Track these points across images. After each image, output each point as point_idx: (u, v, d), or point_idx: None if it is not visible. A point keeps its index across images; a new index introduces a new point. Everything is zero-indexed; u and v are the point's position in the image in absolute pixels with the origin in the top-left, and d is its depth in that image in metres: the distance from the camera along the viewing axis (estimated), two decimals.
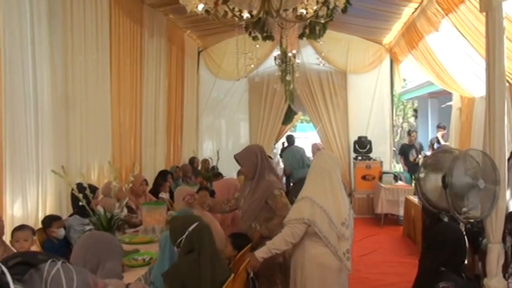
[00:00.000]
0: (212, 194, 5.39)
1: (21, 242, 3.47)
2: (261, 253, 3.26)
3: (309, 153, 8.70)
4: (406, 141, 11.32)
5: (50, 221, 4.03)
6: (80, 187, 3.93)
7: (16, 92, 4.08)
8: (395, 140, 14.22)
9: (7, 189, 3.91)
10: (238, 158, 3.96)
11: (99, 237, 2.33)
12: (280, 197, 3.77)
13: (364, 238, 7.66)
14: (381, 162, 9.62)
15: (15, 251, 3.40)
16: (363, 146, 9.68)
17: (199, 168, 8.77)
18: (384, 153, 10.02)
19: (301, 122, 22.66)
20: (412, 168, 9.63)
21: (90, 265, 2.12)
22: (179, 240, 2.83)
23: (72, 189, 3.69)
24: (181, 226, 2.86)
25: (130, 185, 3.96)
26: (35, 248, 3.67)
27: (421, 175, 3.95)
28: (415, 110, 18.86)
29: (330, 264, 3.23)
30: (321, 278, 3.24)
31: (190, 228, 2.83)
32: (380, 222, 8.68)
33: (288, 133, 11.71)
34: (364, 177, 9.42)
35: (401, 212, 8.36)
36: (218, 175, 7.28)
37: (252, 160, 3.89)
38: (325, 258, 3.23)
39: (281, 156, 12.17)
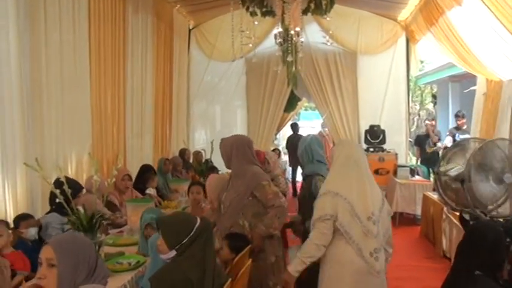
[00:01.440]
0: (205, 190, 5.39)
1: None
2: (295, 266, 3.21)
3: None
4: (423, 130, 11.32)
5: (17, 220, 4.04)
6: (57, 182, 3.92)
7: None
8: (412, 130, 14.21)
9: None
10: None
11: (83, 239, 2.32)
12: (269, 187, 3.79)
13: None
14: (396, 154, 9.62)
15: None
16: (375, 136, 9.67)
17: (191, 161, 8.76)
18: (398, 144, 10.02)
19: (306, 110, 22.69)
20: (428, 160, 9.66)
21: (83, 273, 2.12)
22: (182, 242, 2.76)
23: (49, 184, 3.68)
24: (184, 226, 2.82)
25: (114, 179, 3.93)
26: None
27: (441, 169, 3.95)
28: (434, 96, 18.84)
29: (351, 263, 3.15)
30: (339, 278, 3.18)
31: (195, 228, 2.80)
32: (395, 222, 8.67)
33: (292, 121, 11.74)
34: (376, 171, 9.40)
35: (418, 211, 8.37)
36: (212, 169, 7.26)
37: (226, 152, 4.04)
38: (346, 256, 3.16)
39: (287, 147, 12.25)
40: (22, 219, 4.07)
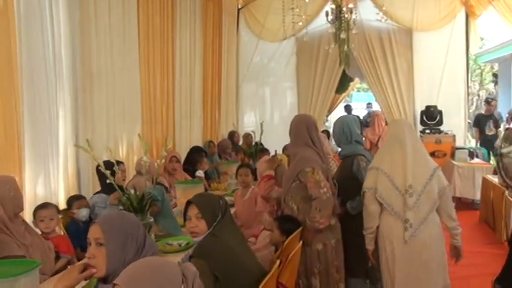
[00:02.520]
0: (254, 172, 5.40)
1: (46, 221, 3.59)
2: (366, 243, 3.58)
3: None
4: (482, 111, 10.96)
5: (70, 200, 4.15)
6: (108, 163, 3.99)
7: (34, 62, 4.18)
8: (471, 111, 13.79)
9: (26, 166, 4.03)
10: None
11: (130, 217, 2.34)
12: (312, 174, 3.70)
13: None
14: (454, 136, 9.35)
15: (39, 231, 3.51)
16: (431, 117, 9.43)
17: (241, 143, 8.77)
18: (457, 125, 9.74)
19: (358, 91, 22.39)
20: (488, 142, 9.38)
21: (132, 251, 2.14)
22: (218, 218, 2.82)
23: (98, 166, 3.75)
24: (216, 202, 2.88)
25: (163, 160, 3.97)
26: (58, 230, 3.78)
27: (503, 150, 3.88)
28: (495, 75, 18.25)
29: (395, 233, 3.43)
30: (388, 248, 3.48)
31: (221, 203, 2.88)
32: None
33: (344, 103, 11.62)
34: (433, 154, 9.14)
35: (477, 195, 8.13)
36: (263, 151, 7.22)
37: (289, 131, 4.01)
38: (396, 230, 3.43)
39: None
40: (75, 199, 4.19)
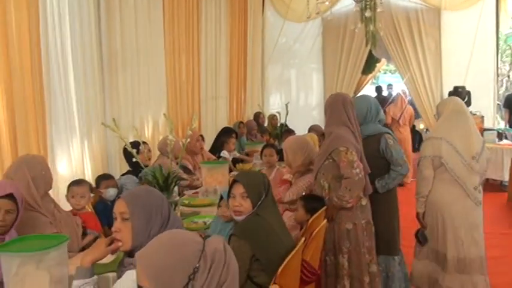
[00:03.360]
0: (279, 152, 5.39)
1: (77, 198, 3.66)
2: (418, 207, 4.00)
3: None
4: None
5: (98, 180, 4.21)
6: (134, 143, 4.05)
7: (62, 45, 4.30)
8: (500, 92, 13.51)
9: (52, 145, 4.11)
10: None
11: (155, 192, 2.37)
12: (345, 154, 3.68)
13: None
14: (482, 117, 9.16)
15: (65, 209, 3.57)
16: (459, 98, 9.23)
17: (266, 125, 8.77)
18: (485, 107, 9.53)
19: (384, 73, 22.13)
20: None
21: (157, 225, 2.17)
22: (262, 198, 2.81)
23: (126, 145, 3.80)
24: (262, 181, 2.87)
25: (188, 139, 4.00)
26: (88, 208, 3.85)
27: None
28: None
29: (457, 199, 3.84)
30: (441, 212, 3.89)
31: (266, 182, 2.87)
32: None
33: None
34: None
35: (505, 177, 8.04)
36: (288, 132, 7.20)
37: (324, 109, 4.04)
38: (453, 194, 3.85)
39: None
40: (103, 179, 4.24)
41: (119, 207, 2.21)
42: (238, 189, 2.83)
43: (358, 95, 9.48)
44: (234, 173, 5.36)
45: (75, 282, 2.13)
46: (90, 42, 4.75)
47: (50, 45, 4.16)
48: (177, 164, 4.22)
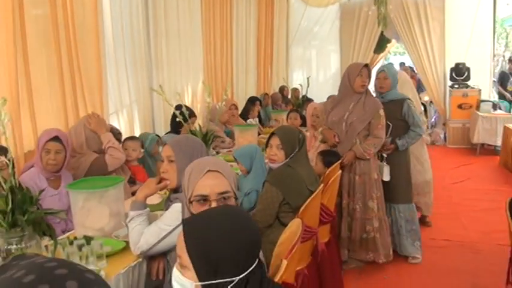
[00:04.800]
0: (302, 117, 5.39)
1: (129, 151, 3.76)
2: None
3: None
4: (506, 69, 10.47)
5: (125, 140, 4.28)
6: (177, 106, 4.09)
7: (115, 24, 4.38)
8: (496, 70, 13.15)
9: (109, 108, 4.19)
10: None
11: (195, 139, 2.41)
12: (382, 119, 3.72)
13: (458, 167, 7.43)
14: (479, 90, 8.97)
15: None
16: (460, 73, 9.04)
17: (289, 96, 8.73)
18: (483, 81, 9.28)
19: (394, 55, 21.69)
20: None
21: None
22: (295, 150, 2.85)
23: (171, 106, 3.85)
24: (297, 135, 2.89)
25: (224, 102, 4.02)
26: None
27: None
28: None
29: None
30: None
31: (301, 137, 2.90)
32: (476, 152, 8.29)
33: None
34: (460, 106, 8.89)
35: (498, 142, 7.90)
36: (309, 100, 7.16)
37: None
38: None
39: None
40: (129, 139, 4.28)
41: (166, 151, 2.25)
42: (275, 141, 2.87)
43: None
44: (262, 135, 5.36)
45: (131, 213, 2.19)
46: (137, 25, 4.82)
47: (106, 27, 4.25)
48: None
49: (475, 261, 4.04)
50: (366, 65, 3.82)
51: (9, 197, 1.82)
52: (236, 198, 1.72)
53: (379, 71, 4.08)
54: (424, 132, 4.03)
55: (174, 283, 1.28)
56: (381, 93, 4.01)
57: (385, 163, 3.94)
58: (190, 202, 1.72)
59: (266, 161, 3.12)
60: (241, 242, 1.23)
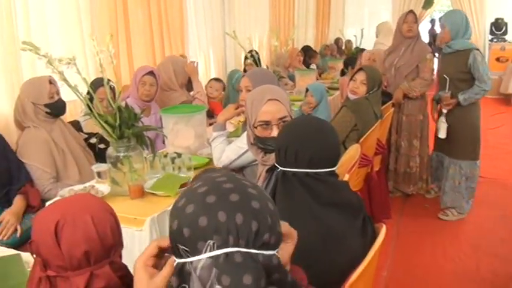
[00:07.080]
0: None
1: (212, 89, 3.77)
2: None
3: None
4: None
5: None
6: (249, 51, 3.98)
7: None
8: None
9: (189, 50, 4.20)
10: None
11: (269, 73, 2.32)
12: (430, 62, 3.43)
13: (493, 115, 6.89)
14: None
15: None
16: (499, 28, 8.27)
17: (343, 48, 8.32)
18: None
19: (440, 12, 20.12)
20: None
21: None
22: (374, 89, 2.81)
23: (243, 48, 3.75)
24: (379, 74, 2.88)
25: (289, 47, 3.85)
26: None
27: None
28: None
29: None
30: None
31: (381, 80, 2.89)
32: (509, 102, 7.65)
33: None
34: (498, 59, 8.16)
35: None
36: (362, 50, 6.77)
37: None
38: None
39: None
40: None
41: (244, 82, 2.19)
42: (361, 76, 2.83)
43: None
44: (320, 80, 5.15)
45: (214, 134, 2.17)
46: None
47: None
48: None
49: (504, 195, 3.84)
50: (411, 11, 3.53)
51: (117, 114, 1.85)
52: None
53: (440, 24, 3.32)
54: (490, 87, 3.07)
55: None
56: (446, 44, 3.16)
57: (443, 119, 3.24)
58: (255, 127, 1.69)
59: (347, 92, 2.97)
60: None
